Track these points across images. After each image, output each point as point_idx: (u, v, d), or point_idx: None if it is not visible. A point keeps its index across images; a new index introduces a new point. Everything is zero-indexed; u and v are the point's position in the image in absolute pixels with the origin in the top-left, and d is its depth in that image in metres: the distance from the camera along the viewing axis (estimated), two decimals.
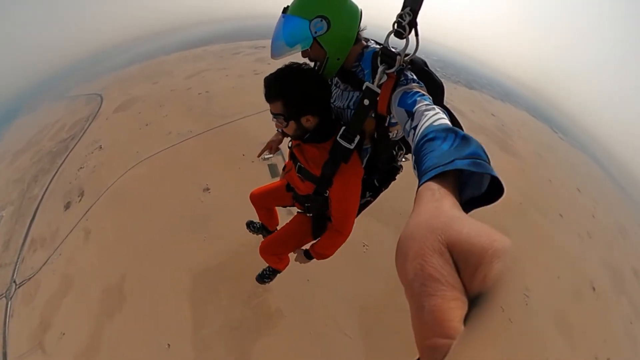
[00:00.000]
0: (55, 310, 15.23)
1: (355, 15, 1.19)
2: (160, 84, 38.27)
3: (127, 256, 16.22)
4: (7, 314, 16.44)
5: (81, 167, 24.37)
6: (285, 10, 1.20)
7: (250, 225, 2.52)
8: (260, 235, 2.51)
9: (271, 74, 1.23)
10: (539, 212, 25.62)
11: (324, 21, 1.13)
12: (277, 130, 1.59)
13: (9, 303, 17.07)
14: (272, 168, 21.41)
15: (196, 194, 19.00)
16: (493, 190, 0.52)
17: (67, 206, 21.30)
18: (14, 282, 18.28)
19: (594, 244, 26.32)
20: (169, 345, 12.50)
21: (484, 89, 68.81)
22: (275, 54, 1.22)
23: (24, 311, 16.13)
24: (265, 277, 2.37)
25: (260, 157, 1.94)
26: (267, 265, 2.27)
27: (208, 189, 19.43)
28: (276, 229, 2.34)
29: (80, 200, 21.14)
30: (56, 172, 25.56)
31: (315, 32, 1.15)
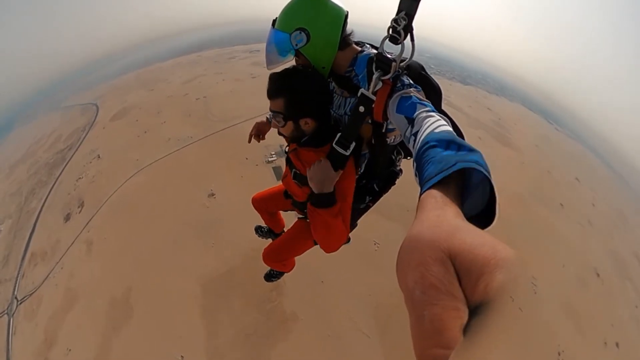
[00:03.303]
0: (60, 326, 14.77)
1: (337, 21, 1.17)
2: (157, 91, 37.93)
3: (132, 267, 15.82)
4: (9, 332, 15.90)
5: (80, 178, 23.89)
6: (274, 23, 1.24)
7: (258, 230, 2.52)
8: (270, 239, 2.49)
9: (278, 72, 1.24)
10: (540, 203, 25.80)
11: (302, 33, 1.16)
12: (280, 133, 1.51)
13: (11, 320, 16.52)
14: (277, 170, 21.07)
15: (201, 200, 18.79)
16: (487, 214, 0.51)
17: (67, 218, 20.82)
18: (15, 298, 17.73)
19: (595, 232, 26.64)
20: (182, 357, 12.19)
21: (479, 84, 69.61)
22: (267, 65, 1.30)
23: (27, 327, 15.61)
24: (272, 276, 2.40)
25: (251, 140, 1.83)
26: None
27: (213, 194, 19.20)
28: (283, 231, 2.34)
29: (81, 211, 20.68)
30: (54, 184, 25.01)
31: (296, 45, 1.19)
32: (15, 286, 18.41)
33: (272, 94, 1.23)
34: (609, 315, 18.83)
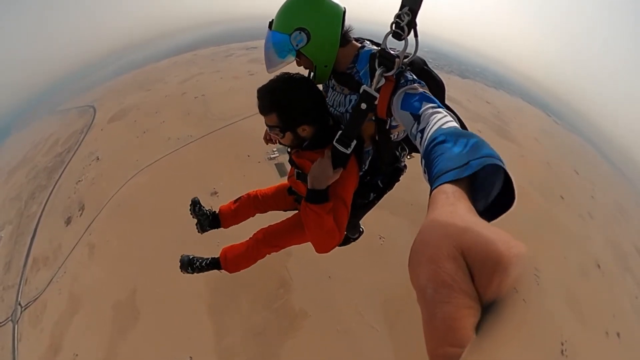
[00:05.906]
0: (65, 331, 14.60)
1: (336, 19, 1.17)
2: (154, 91, 37.51)
3: (136, 269, 15.64)
4: (15, 338, 15.74)
5: (79, 180, 23.61)
6: (270, 25, 1.22)
7: (197, 205, 1.92)
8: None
9: (263, 86, 1.24)
10: (540, 195, 25.84)
11: (303, 33, 1.14)
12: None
13: (16, 327, 16.36)
14: (280, 167, 21.00)
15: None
16: (503, 199, 0.50)
17: (68, 221, 20.59)
18: (19, 304, 17.54)
19: (595, 224, 26.76)
20: (191, 358, 12.09)
21: (477, 78, 69.46)
22: (268, 68, 1.28)
23: (32, 334, 15.45)
24: (194, 266, 1.85)
25: (268, 142, 1.74)
26: (214, 256, 1.87)
27: (216, 193, 18.99)
28: (222, 227, 1.97)
29: (82, 214, 20.43)
30: (54, 187, 24.72)
31: (297, 45, 1.17)
32: (18, 292, 18.21)
33: (263, 110, 1.23)
34: (610, 305, 19.00)
